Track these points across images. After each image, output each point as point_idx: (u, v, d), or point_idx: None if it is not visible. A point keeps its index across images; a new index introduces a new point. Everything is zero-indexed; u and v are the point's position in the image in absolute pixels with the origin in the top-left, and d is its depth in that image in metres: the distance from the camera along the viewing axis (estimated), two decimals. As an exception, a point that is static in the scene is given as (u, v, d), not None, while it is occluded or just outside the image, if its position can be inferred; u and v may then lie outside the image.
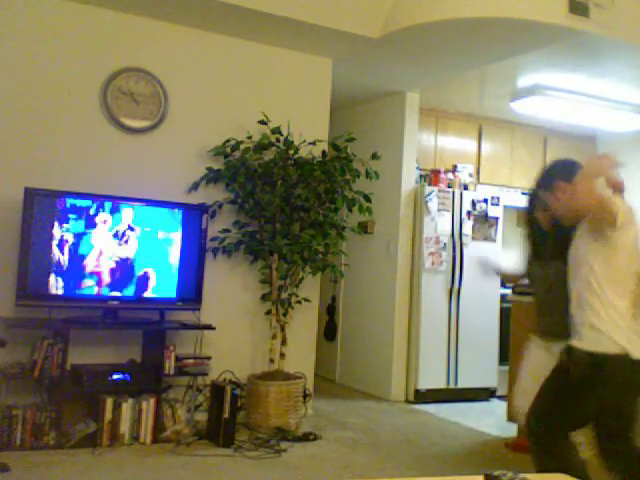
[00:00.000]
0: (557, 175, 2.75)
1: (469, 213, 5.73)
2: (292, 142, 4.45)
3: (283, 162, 4.39)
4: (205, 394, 4.29)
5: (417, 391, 5.49)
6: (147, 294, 4.04)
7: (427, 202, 5.58)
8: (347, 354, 6.12)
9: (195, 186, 4.40)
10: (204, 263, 4.22)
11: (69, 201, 3.83)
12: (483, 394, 5.69)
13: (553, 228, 2.89)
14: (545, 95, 5.40)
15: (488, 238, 5.81)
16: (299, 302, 4.58)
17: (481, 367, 5.70)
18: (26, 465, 3.41)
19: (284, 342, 4.47)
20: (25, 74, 4.03)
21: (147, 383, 4.00)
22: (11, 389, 3.72)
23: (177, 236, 4.12)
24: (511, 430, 4.47)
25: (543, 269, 2.99)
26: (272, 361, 4.45)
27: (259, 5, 4.07)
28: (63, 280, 3.81)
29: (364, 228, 5.70)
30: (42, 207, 3.75)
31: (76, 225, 3.84)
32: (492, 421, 4.89)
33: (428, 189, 5.62)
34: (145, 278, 4.03)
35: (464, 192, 5.76)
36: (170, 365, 4.02)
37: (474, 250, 5.64)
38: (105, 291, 3.93)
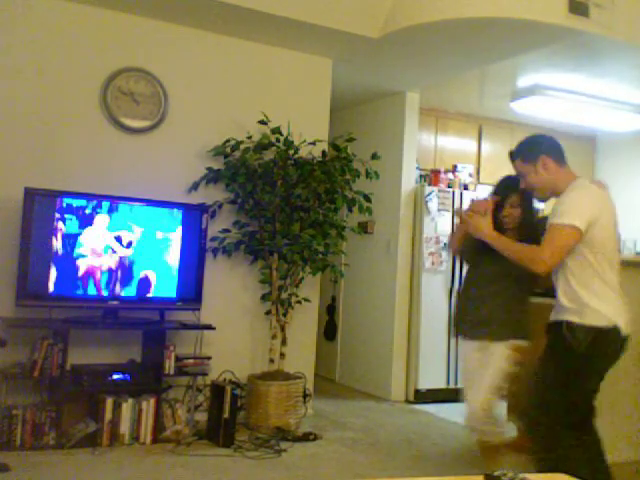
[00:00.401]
0: (541, 149, 2.77)
1: (469, 213, 5.72)
2: (292, 142, 4.45)
3: (283, 162, 4.39)
4: (205, 394, 4.29)
5: (417, 391, 5.49)
6: (147, 294, 4.04)
7: (427, 202, 5.58)
8: (347, 354, 6.12)
9: (195, 186, 4.40)
10: (204, 263, 4.22)
11: (69, 201, 3.83)
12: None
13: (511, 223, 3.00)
14: (545, 95, 5.40)
15: (488, 238, 5.80)
16: (299, 302, 4.58)
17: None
18: (26, 465, 3.41)
19: (284, 342, 4.47)
20: (25, 74, 4.02)
21: (147, 383, 4.00)
22: (11, 389, 3.72)
23: (177, 236, 4.12)
24: (511, 430, 4.46)
25: (494, 264, 3.00)
26: (272, 361, 4.46)
27: (259, 5, 4.07)
28: (63, 280, 3.81)
29: (364, 228, 5.70)
30: (42, 207, 3.75)
31: (76, 225, 3.84)
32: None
33: (428, 189, 5.62)
34: (145, 278, 4.03)
35: (464, 192, 5.76)
36: (170, 365, 4.01)
37: (474, 250, 5.63)
38: (105, 291, 3.93)
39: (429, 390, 5.50)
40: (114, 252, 3.95)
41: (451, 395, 5.50)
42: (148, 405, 3.92)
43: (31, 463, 3.44)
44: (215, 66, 4.58)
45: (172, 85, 4.41)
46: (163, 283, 4.08)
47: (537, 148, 2.78)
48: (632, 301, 4.18)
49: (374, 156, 4.57)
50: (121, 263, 3.97)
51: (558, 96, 5.44)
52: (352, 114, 6.21)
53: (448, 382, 5.54)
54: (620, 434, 4.05)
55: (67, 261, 3.82)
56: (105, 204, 3.93)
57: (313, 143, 4.59)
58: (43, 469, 3.38)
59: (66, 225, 3.81)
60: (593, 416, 2.77)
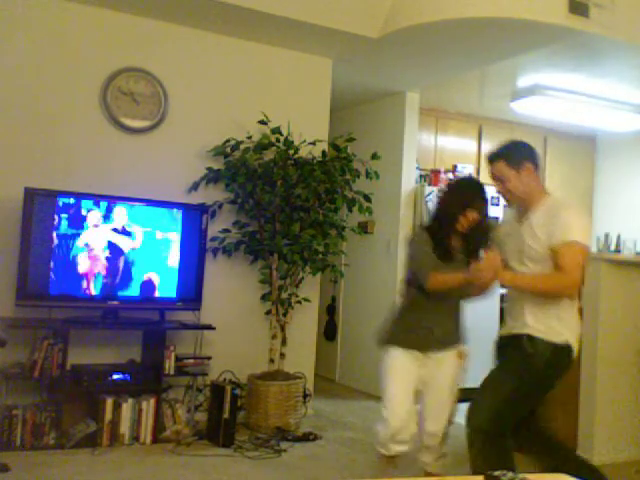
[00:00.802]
0: (527, 156, 2.71)
1: (469, 213, 5.72)
2: (292, 142, 4.45)
3: (283, 162, 4.39)
4: (205, 394, 4.29)
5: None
6: (148, 294, 4.04)
7: (427, 202, 5.58)
8: (347, 354, 6.11)
9: (195, 186, 4.40)
10: (204, 263, 4.22)
11: (69, 201, 3.83)
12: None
13: (469, 230, 2.86)
14: (545, 95, 5.40)
15: (488, 238, 5.80)
16: (299, 302, 4.58)
17: (481, 367, 5.68)
18: (26, 465, 3.41)
19: (284, 342, 4.47)
20: (25, 74, 4.03)
21: (147, 383, 4.00)
22: (11, 389, 3.72)
23: (177, 236, 4.12)
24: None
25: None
26: (272, 361, 4.45)
27: (259, 5, 4.07)
28: (63, 280, 3.81)
29: (364, 228, 5.70)
30: (42, 207, 3.75)
31: (76, 225, 3.84)
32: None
33: (428, 189, 5.61)
34: (145, 278, 4.03)
35: (464, 192, 5.75)
36: (170, 365, 4.02)
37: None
38: (105, 291, 3.93)
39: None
40: (114, 252, 3.95)
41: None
42: (148, 405, 3.92)
43: (31, 463, 3.45)
44: (215, 66, 4.58)
45: (172, 85, 4.41)
46: (163, 283, 4.08)
47: (524, 154, 2.72)
48: (632, 301, 4.21)
49: (374, 156, 4.57)
50: (121, 263, 3.96)
51: (558, 96, 5.44)
52: (352, 114, 6.21)
53: (448, 382, 5.54)
54: (620, 434, 4.05)
55: (67, 261, 3.82)
56: (105, 204, 3.93)
57: (313, 143, 4.59)
58: (43, 469, 3.38)
59: (66, 225, 3.81)
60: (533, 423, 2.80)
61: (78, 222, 3.85)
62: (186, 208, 4.20)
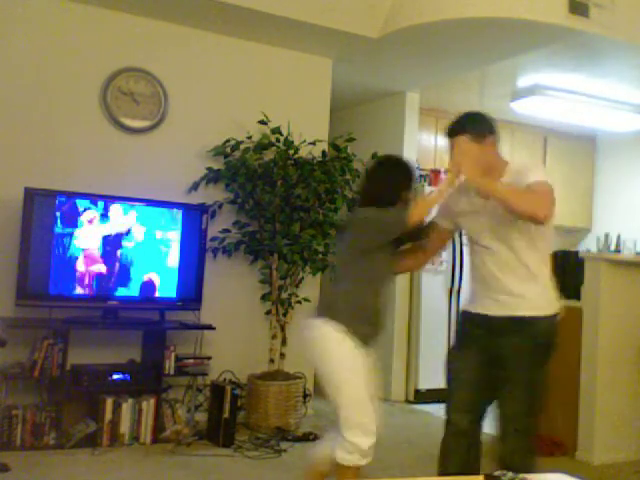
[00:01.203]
0: (489, 129, 2.59)
1: (469, 213, 5.72)
2: (292, 142, 4.45)
3: (283, 162, 4.39)
4: (205, 394, 4.29)
5: (417, 391, 5.49)
6: (149, 294, 4.04)
7: (427, 202, 5.56)
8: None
9: (195, 186, 4.40)
10: (204, 263, 4.22)
11: (69, 201, 3.83)
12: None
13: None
14: (545, 95, 5.40)
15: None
16: (299, 302, 4.58)
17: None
18: (26, 465, 3.41)
19: (284, 342, 4.47)
20: (25, 74, 4.03)
21: (147, 383, 4.00)
22: (11, 389, 3.72)
23: (177, 236, 4.12)
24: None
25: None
26: (272, 361, 4.45)
27: (259, 5, 4.07)
28: (63, 280, 3.81)
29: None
30: (42, 207, 3.75)
31: (76, 225, 3.84)
32: (492, 421, 4.88)
33: (428, 189, 5.61)
34: (145, 278, 4.03)
35: (464, 192, 5.75)
36: (170, 365, 4.02)
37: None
38: (105, 291, 3.93)
39: (429, 390, 5.50)
40: (114, 252, 3.95)
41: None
42: (148, 405, 3.92)
43: (31, 463, 3.44)
44: (215, 66, 4.58)
45: (172, 85, 4.41)
46: (163, 283, 4.08)
47: (486, 126, 2.59)
48: (632, 301, 4.21)
49: (374, 156, 4.55)
50: (121, 263, 3.96)
51: (558, 96, 5.44)
52: (352, 114, 6.21)
53: (448, 382, 5.54)
54: (620, 434, 4.05)
55: (67, 261, 3.82)
56: (105, 204, 3.93)
57: (313, 143, 4.59)
58: (43, 469, 3.38)
59: (66, 225, 3.81)
60: None
61: (78, 222, 3.85)
62: (186, 208, 4.20)
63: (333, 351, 2.59)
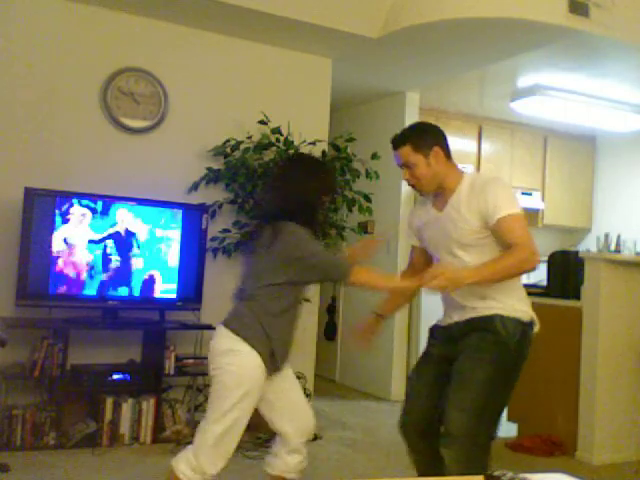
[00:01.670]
0: (435, 140, 2.57)
1: (469, 213, 5.72)
2: (292, 142, 4.45)
3: (283, 162, 4.39)
4: (205, 394, 4.29)
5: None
6: (149, 294, 4.04)
7: (427, 202, 5.57)
8: (347, 354, 6.11)
9: (195, 186, 4.40)
10: (204, 263, 4.22)
11: (69, 201, 3.83)
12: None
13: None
14: (545, 95, 5.40)
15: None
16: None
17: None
18: (26, 465, 3.41)
19: (284, 342, 4.46)
20: (25, 74, 4.03)
21: (147, 383, 4.00)
22: (11, 389, 3.72)
23: (177, 236, 4.12)
24: (511, 430, 4.47)
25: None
26: (272, 361, 4.45)
27: (259, 5, 4.07)
28: (63, 280, 3.81)
29: (364, 228, 5.70)
30: (42, 207, 3.75)
31: (76, 225, 3.84)
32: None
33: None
34: (145, 278, 4.03)
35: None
36: (170, 365, 4.02)
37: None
38: (105, 291, 3.93)
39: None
40: (114, 252, 3.95)
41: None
42: (148, 405, 3.92)
43: (31, 463, 3.45)
44: (215, 66, 4.58)
45: (172, 85, 4.41)
46: (163, 283, 4.08)
47: (431, 137, 2.57)
48: (632, 301, 4.21)
49: (374, 156, 4.57)
50: (121, 263, 3.96)
51: (558, 96, 5.44)
52: (352, 114, 6.21)
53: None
54: (620, 434, 4.06)
55: (67, 261, 3.82)
56: (105, 204, 3.93)
57: (313, 143, 4.58)
58: (43, 469, 3.38)
59: (66, 225, 3.81)
60: None
61: (78, 222, 3.85)
62: (186, 208, 4.20)
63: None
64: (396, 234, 5.60)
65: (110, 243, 3.93)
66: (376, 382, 5.70)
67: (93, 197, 3.91)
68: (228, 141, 4.41)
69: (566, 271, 4.31)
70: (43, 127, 4.06)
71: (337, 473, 3.64)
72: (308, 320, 4.87)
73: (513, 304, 2.45)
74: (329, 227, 4.50)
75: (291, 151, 4.42)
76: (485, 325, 2.42)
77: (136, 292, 4.01)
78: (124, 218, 3.97)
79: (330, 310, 6.26)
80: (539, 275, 4.16)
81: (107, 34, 4.25)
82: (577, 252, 4.43)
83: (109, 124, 4.24)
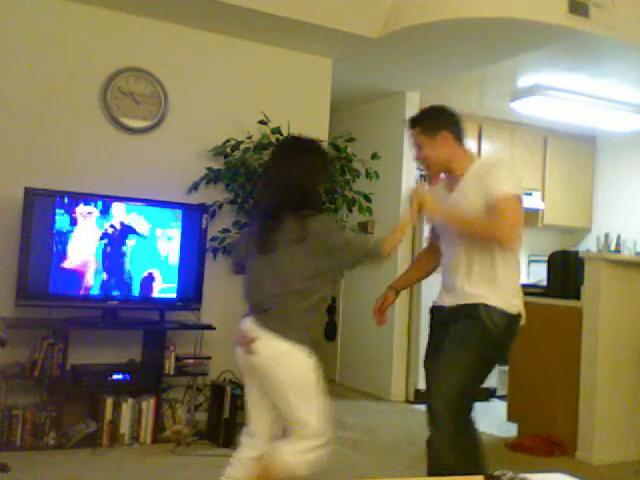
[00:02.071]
0: (445, 124, 2.62)
1: (469, 213, 5.72)
2: (292, 142, 4.44)
3: (283, 162, 4.38)
4: (205, 394, 4.29)
5: (417, 391, 5.49)
6: (148, 294, 4.04)
7: (427, 202, 5.57)
8: (347, 354, 6.11)
9: (195, 186, 4.40)
10: (204, 263, 4.22)
11: (69, 201, 3.83)
12: (483, 394, 5.69)
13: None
14: (545, 95, 5.40)
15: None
16: (299, 302, 4.57)
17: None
18: (26, 465, 3.41)
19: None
20: (25, 74, 4.02)
21: (147, 383, 4.00)
22: (11, 389, 3.72)
23: (177, 236, 4.12)
24: (511, 430, 4.47)
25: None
26: (272, 361, 4.45)
27: (259, 5, 4.07)
28: (63, 280, 3.81)
29: (364, 228, 5.70)
30: (42, 207, 3.75)
31: (76, 225, 3.84)
32: (492, 421, 4.88)
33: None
34: (145, 278, 4.03)
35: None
36: (170, 365, 4.02)
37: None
38: (105, 291, 3.93)
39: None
40: (114, 252, 3.94)
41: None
42: (148, 405, 3.92)
43: (31, 463, 3.45)
44: (215, 66, 4.58)
45: (172, 85, 4.41)
46: (163, 283, 4.08)
47: (440, 122, 2.63)
48: (632, 301, 4.21)
49: (374, 156, 4.57)
50: (121, 263, 3.96)
51: (558, 96, 5.44)
52: (352, 114, 6.21)
53: (448, 382, 5.54)
54: (620, 434, 4.06)
55: (67, 261, 3.82)
56: (105, 204, 3.93)
57: (313, 143, 4.58)
58: (43, 469, 3.38)
59: (66, 225, 3.81)
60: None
61: (78, 222, 3.85)
62: (186, 208, 4.20)
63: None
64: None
65: (110, 243, 3.93)
66: (376, 382, 5.70)
67: (93, 197, 3.91)
68: (228, 141, 4.41)
69: (566, 271, 4.31)
70: (43, 127, 4.06)
71: (337, 473, 3.64)
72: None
73: (503, 296, 2.52)
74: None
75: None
76: (472, 313, 2.52)
77: (136, 292, 4.01)
78: (124, 218, 3.97)
79: (330, 310, 6.26)
80: (539, 275, 4.16)
81: (107, 34, 4.25)
82: (577, 252, 4.43)
83: (109, 124, 4.24)
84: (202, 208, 4.27)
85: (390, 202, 5.65)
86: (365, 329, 5.84)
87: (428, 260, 2.89)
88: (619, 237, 6.12)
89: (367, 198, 4.53)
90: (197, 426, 4.13)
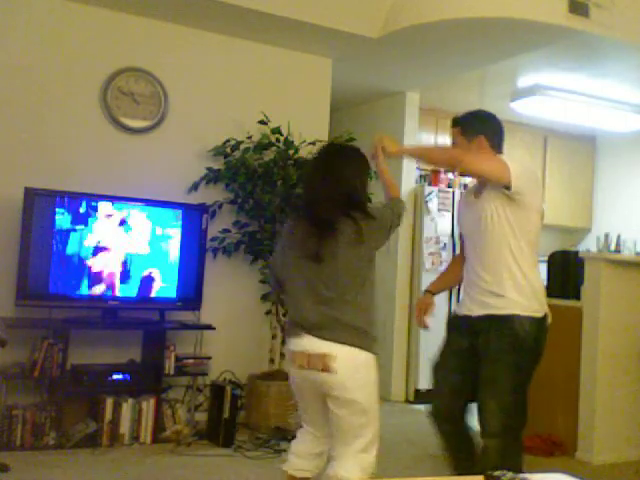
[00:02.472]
0: (483, 130, 2.67)
1: (469, 213, 5.72)
2: (292, 142, 4.45)
3: (283, 162, 4.39)
4: (205, 394, 4.29)
5: (417, 391, 5.49)
6: (149, 294, 4.04)
7: (427, 202, 5.58)
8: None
9: (195, 186, 4.40)
10: (204, 263, 4.22)
11: (69, 201, 3.83)
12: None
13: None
14: (545, 95, 5.40)
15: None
16: (299, 302, 4.57)
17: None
18: (26, 465, 3.41)
19: (284, 342, 4.46)
20: (25, 74, 4.02)
21: (147, 383, 4.00)
22: (11, 389, 3.72)
23: (177, 236, 4.12)
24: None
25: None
26: (272, 361, 4.45)
27: (259, 5, 4.07)
28: (63, 280, 3.81)
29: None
30: (42, 207, 3.75)
31: (75, 225, 3.84)
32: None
33: (428, 189, 5.61)
34: (146, 278, 4.03)
35: (464, 192, 5.75)
36: (170, 365, 4.01)
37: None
38: (105, 291, 3.93)
39: (429, 390, 5.48)
40: (113, 252, 3.94)
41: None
42: (148, 405, 3.92)
43: (31, 463, 3.45)
44: (215, 66, 4.58)
45: (172, 85, 4.41)
46: (163, 283, 4.08)
47: (479, 126, 2.68)
48: (632, 301, 4.21)
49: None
50: (121, 263, 3.96)
51: (558, 96, 5.44)
52: (352, 114, 6.21)
53: (448, 382, 5.54)
54: (620, 434, 4.06)
55: (67, 261, 3.82)
56: (105, 204, 3.93)
57: (313, 143, 4.58)
58: (43, 469, 3.38)
59: (66, 225, 3.81)
60: None
61: (78, 222, 3.85)
62: (186, 208, 4.20)
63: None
64: (396, 233, 5.59)
65: (110, 243, 3.93)
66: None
67: (93, 197, 3.91)
68: (228, 141, 4.41)
69: (566, 271, 4.31)
70: (43, 127, 4.06)
71: (337, 473, 3.63)
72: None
73: (528, 302, 2.53)
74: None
75: (291, 151, 4.42)
76: (504, 325, 2.52)
77: (136, 292, 4.01)
78: (124, 218, 3.97)
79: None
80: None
81: (107, 34, 4.25)
82: (577, 252, 4.43)
83: (109, 124, 4.24)
84: (202, 208, 4.27)
85: (390, 202, 5.64)
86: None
87: (460, 266, 2.87)
88: (619, 237, 6.12)
89: (367, 198, 4.52)
90: (197, 426, 4.13)
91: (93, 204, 3.89)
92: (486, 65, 4.88)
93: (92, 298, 3.91)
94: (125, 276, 3.97)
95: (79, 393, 3.86)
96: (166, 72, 4.39)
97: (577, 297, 4.15)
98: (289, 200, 4.40)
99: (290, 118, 4.57)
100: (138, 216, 4.01)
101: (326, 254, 2.30)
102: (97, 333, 4.11)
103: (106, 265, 3.92)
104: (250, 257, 4.55)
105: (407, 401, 5.53)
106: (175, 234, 4.11)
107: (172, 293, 4.11)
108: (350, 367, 2.27)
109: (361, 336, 2.30)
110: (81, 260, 3.85)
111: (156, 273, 4.06)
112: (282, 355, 4.45)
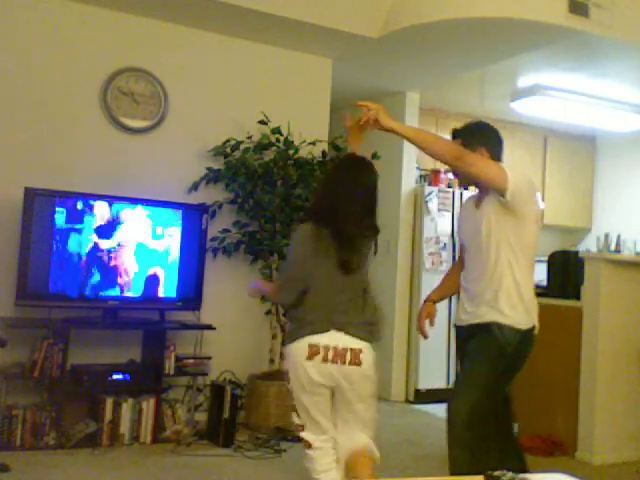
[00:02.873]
0: (484, 142, 2.70)
1: (469, 213, 5.72)
2: (292, 142, 4.45)
3: (283, 162, 4.39)
4: (205, 394, 4.29)
5: (417, 391, 5.49)
6: (147, 294, 4.04)
7: (427, 202, 5.58)
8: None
9: (195, 186, 4.40)
10: (204, 263, 4.22)
11: (69, 201, 3.83)
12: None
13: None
14: (545, 95, 5.40)
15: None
16: (299, 302, 4.57)
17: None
18: (26, 465, 3.41)
19: (284, 342, 4.46)
20: (25, 74, 4.03)
21: (147, 383, 4.00)
22: (11, 389, 3.72)
23: (177, 236, 4.12)
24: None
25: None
26: (272, 361, 4.45)
27: (259, 5, 4.07)
28: (63, 280, 3.81)
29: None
30: (42, 207, 3.75)
31: (76, 225, 3.84)
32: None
33: (428, 189, 5.61)
34: (150, 278, 4.03)
35: (464, 192, 5.76)
36: (170, 365, 4.02)
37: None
38: (105, 291, 3.93)
39: (429, 390, 5.50)
40: (113, 252, 3.95)
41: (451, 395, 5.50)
42: (148, 405, 3.92)
43: (31, 463, 3.44)
44: (215, 66, 4.58)
45: (172, 85, 4.41)
46: (163, 283, 4.08)
47: (479, 138, 2.71)
48: (632, 301, 4.21)
49: (374, 156, 4.55)
50: (120, 263, 3.96)
51: (558, 96, 5.44)
52: (352, 114, 6.19)
53: (448, 382, 5.54)
54: (620, 434, 4.06)
55: (67, 261, 3.82)
56: (105, 204, 3.93)
57: (313, 143, 4.59)
58: (43, 469, 3.38)
59: (66, 225, 3.81)
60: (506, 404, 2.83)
61: (78, 222, 3.85)
62: (186, 208, 4.20)
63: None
64: (396, 233, 5.60)
65: (110, 243, 3.93)
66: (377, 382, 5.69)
67: (93, 197, 3.91)
68: (228, 141, 4.41)
69: (566, 271, 4.31)
70: (43, 127, 4.06)
71: (337, 473, 3.63)
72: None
73: (515, 314, 2.56)
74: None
75: (291, 151, 4.42)
76: (484, 330, 2.59)
77: (136, 292, 4.01)
78: (124, 218, 3.97)
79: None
80: (539, 275, 4.15)
81: (107, 34, 4.25)
82: (577, 252, 4.43)
83: (109, 124, 4.24)
84: (202, 208, 4.27)
85: (390, 202, 5.64)
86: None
87: (459, 274, 2.90)
88: (619, 237, 6.12)
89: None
90: (197, 426, 4.13)
91: (93, 204, 3.89)
92: (486, 65, 4.88)
93: (92, 298, 3.91)
94: (125, 276, 3.97)
95: (79, 393, 3.86)
96: (166, 72, 4.39)
97: (577, 297, 4.15)
98: (289, 200, 4.40)
99: (290, 118, 4.57)
100: (138, 216, 4.01)
101: (354, 265, 2.56)
102: (97, 333, 4.11)
103: (105, 265, 3.92)
104: (250, 257, 4.55)
105: (407, 401, 5.53)
106: (175, 234, 4.12)
107: (172, 293, 4.11)
108: (370, 361, 2.53)
109: (374, 334, 2.58)
110: (81, 260, 3.85)
111: (156, 273, 4.06)
112: (282, 355, 4.45)
